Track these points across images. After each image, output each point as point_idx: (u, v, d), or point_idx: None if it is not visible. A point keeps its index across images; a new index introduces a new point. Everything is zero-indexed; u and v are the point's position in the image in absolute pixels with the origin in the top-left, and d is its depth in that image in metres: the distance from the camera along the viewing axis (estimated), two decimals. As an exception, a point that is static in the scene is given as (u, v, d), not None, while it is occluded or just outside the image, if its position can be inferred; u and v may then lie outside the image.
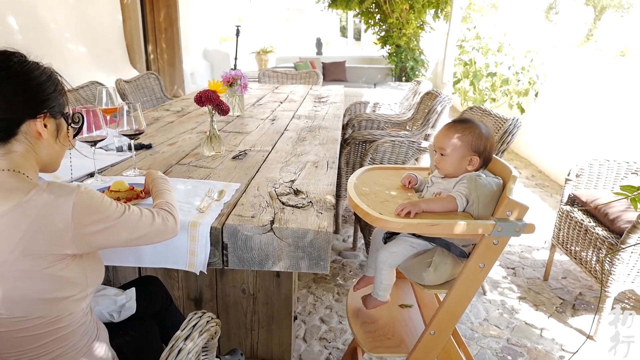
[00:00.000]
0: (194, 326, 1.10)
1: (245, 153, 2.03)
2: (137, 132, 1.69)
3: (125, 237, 1.05)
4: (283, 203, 1.47)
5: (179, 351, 1.03)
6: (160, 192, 1.30)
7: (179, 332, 1.07)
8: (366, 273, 1.72)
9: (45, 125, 1.04)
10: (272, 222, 1.32)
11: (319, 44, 10.68)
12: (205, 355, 1.25)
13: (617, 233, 2.21)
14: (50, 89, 1.05)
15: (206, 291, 1.96)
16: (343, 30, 23.68)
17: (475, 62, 5.31)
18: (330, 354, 2.12)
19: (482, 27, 5.41)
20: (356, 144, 3.19)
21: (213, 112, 1.94)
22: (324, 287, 2.65)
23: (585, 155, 2.65)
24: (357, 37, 22.76)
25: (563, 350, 2.18)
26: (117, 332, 1.29)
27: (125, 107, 1.70)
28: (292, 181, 1.68)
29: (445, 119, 3.94)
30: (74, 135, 1.18)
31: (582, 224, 2.40)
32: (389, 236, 1.56)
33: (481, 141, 1.43)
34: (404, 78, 9.08)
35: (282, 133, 2.46)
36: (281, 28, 15.95)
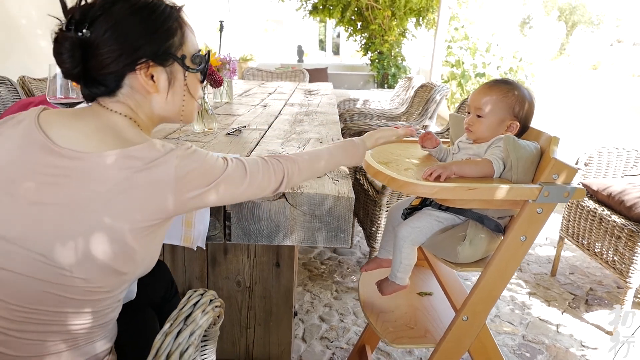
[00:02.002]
0: (195, 304, 0.89)
1: (240, 130, 1.83)
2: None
3: (224, 195, 0.89)
4: (292, 172, 1.28)
5: (179, 333, 0.82)
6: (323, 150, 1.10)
7: (176, 310, 0.86)
8: (378, 255, 1.53)
9: (152, 76, 0.87)
10: (284, 188, 1.12)
11: (300, 52, 10.59)
12: (205, 347, 1.04)
13: (636, 220, 2.08)
14: (150, 28, 0.85)
15: (196, 284, 1.73)
16: (321, 44, 23.76)
17: (462, 63, 5.24)
18: (333, 354, 1.91)
19: (470, 28, 5.36)
20: (351, 134, 3.02)
21: (205, 83, 1.74)
22: (321, 285, 2.44)
23: (578, 152, 2.53)
24: (336, 51, 22.80)
25: (583, 346, 2.03)
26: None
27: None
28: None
29: (434, 127, 3.82)
30: (201, 81, 0.98)
31: (595, 213, 2.27)
32: (410, 212, 1.37)
33: (524, 106, 1.28)
34: (385, 85, 9.03)
35: (277, 116, 2.27)
36: (260, 38, 15.83)
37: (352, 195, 1.11)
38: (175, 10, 0.90)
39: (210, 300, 0.92)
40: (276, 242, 1.12)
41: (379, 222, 2.27)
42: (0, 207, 0.79)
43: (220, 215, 1.11)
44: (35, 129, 0.82)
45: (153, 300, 1.22)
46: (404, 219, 1.37)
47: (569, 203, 2.49)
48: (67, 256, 0.78)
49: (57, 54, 0.82)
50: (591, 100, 4.36)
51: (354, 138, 1.20)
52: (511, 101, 1.26)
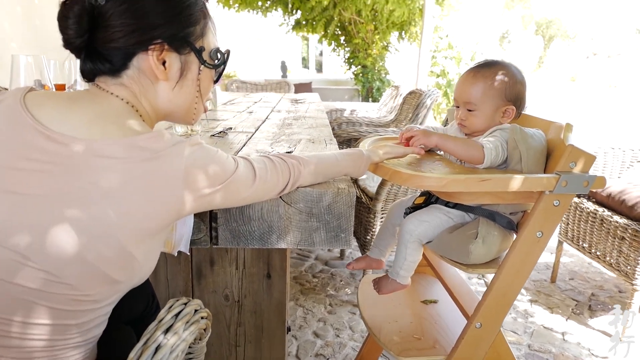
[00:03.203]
0: (177, 315, 0.76)
1: (226, 133, 1.71)
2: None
3: (231, 197, 0.82)
4: (284, 169, 1.16)
5: (157, 348, 0.69)
6: (329, 154, 1.05)
7: (155, 322, 0.73)
8: (369, 253, 1.41)
9: (163, 62, 0.78)
10: (276, 184, 1.01)
11: (283, 67, 10.58)
12: (190, 365, 0.91)
13: (639, 219, 2.01)
14: (172, 9, 0.77)
15: (180, 299, 1.59)
16: (304, 62, 23.82)
17: (447, 73, 5.23)
18: (330, 372, 1.78)
19: (453, 37, 5.37)
20: (340, 142, 2.92)
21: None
22: (314, 299, 2.31)
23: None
24: (319, 68, 22.83)
25: (592, 354, 1.92)
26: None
27: (80, 79, 1.39)
28: (290, 152, 1.38)
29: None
30: (215, 81, 0.90)
31: (595, 214, 2.20)
32: (412, 211, 1.27)
33: (516, 87, 1.18)
34: (370, 99, 9.02)
35: (264, 121, 2.17)
36: (243, 55, 15.81)
37: (353, 190, 1.00)
38: (202, 0, 0.84)
39: (195, 311, 0.80)
40: (269, 244, 1.00)
41: (373, 230, 2.16)
42: None
43: (205, 215, 0.99)
44: (20, 110, 0.70)
45: (131, 317, 1.08)
46: (407, 219, 1.26)
47: (567, 206, 2.41)
48: (52, 257, 0.65)
49: (63, 17, 0.73)
50: (573, 110, 4.38)
51: (361, 149, 1.12)
52: (501, 85, 1.16)
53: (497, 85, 1.16)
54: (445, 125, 1.43)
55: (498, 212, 1.14)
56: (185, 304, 0.79)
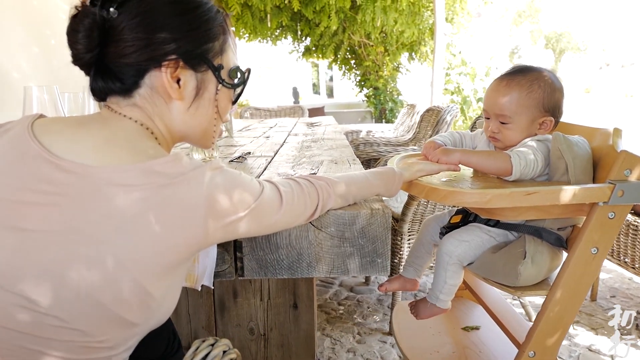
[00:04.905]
0: (204, 358, 0.68)
1: (244, 157, 1.65)
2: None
3: (257, 224, 0.74)
4: (310, 192, 1.09)
5: (185, 398, 0.61)
6: (357, 175, 0.98)
7: (181, 368, 0.65)
8: (403, 273, 1.31)
9: (178, 80, 0.72)
10: (304, 208, 0.93)
11: (295, 93, 10.65)
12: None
13: (686, 230, 1.88)
14: (189, 24, 0.72)
15: (203, 334, 1.51)
16: (315, 88, 24.04)
17: (462, 90, 5.16)
18: (365, 408, 1.66)
19: (466, 53, 5.32)
20: (360, 163, 2.85)
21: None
22: (341, 328, 2.20)
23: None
24: (330, 93, 22.99)
25: (647, 378, 1.78)
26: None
27: (94, 105, 1.36)
28: (314, 173, 1.31)
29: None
30: (234, 102, 0.85)
31: (637, 226, 2.07)
32: (449, 231, 1.18)
33: (555, 95, 1.09)
34: (384, 120, 8.99)
35: (282, 145, 2.11)
36: (254, 84, 16.02)
37: (388, 210, 0.92)
38: (222, 14, 0.77)
39: (224, 352, 0.72)
40: (299, 274, 0.92)
41: (401, 252, 2.06)
42: None
43: (229, 245, 0.91)
44: (28, 138, 0.65)
45: (151, 357, 1.00)
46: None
47: (603, 218, 2.29)
48: (61, 300, 0.58)
49: (72, 30, 0.68)
50: (591, 121, 4.24)
51: (392, 167, 1.04)
52: (538, 95, 1.06)
53: (534, 95, 1.07)
54: (472, 131, 1.34)
55: (544, 228, 1.05)
56: (213, 344, 0.72)
